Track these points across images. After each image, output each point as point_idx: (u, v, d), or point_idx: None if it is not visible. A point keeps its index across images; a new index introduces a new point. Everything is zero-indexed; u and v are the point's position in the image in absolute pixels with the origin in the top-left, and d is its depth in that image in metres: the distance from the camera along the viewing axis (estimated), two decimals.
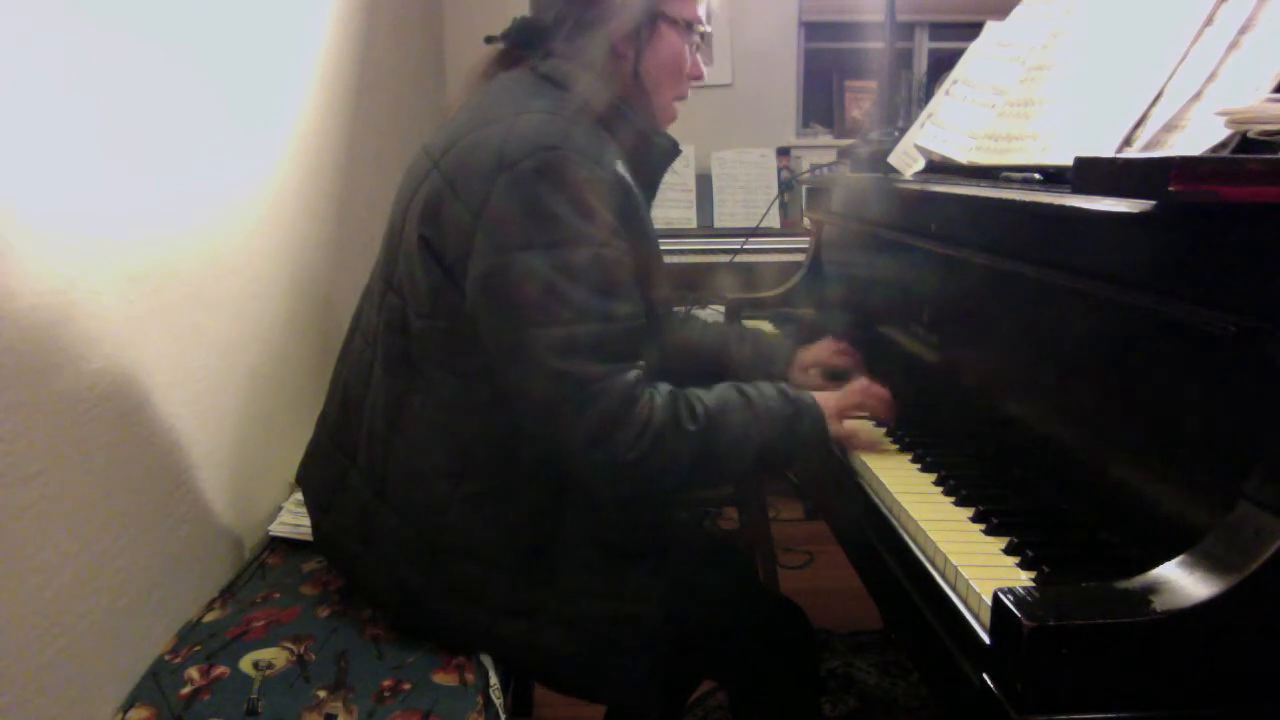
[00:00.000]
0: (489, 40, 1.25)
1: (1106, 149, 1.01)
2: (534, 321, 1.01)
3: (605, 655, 1.15)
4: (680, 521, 1.38)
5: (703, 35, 1.23)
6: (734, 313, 2.04)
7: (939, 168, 1.44)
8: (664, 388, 1.07)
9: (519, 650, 1.16)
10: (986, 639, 0.74)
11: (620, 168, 1.09)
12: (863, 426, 1.23)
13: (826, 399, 1.18)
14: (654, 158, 1.21)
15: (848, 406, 1.20)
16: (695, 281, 2.69)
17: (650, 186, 1.23)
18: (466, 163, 1.06)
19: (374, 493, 1.15)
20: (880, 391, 1.23)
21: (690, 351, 1.42)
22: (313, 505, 1.27)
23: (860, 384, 1.23)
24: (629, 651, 1.15)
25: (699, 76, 1.25)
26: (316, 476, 1.26)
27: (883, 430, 1.26)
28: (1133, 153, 0.98)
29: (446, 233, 1.06)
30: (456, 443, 1.11)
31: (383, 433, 1.14)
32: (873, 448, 1.19)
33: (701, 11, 1.22)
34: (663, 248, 1.21)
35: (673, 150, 1.23)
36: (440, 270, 1.07)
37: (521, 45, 1.20)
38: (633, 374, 1.03)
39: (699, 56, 1.24)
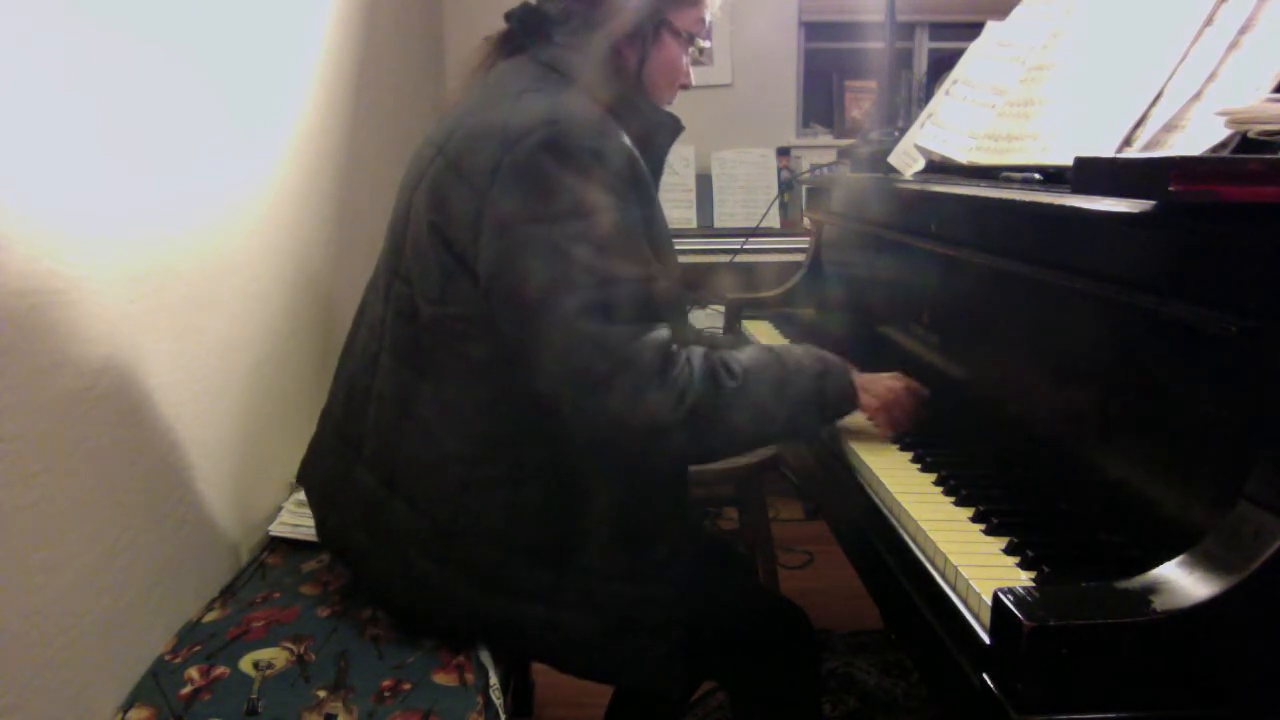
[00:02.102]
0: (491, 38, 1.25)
1: (1106, 149, 1.01)
2: (553, 292, 1.00)
3: (625, 637, 1.15)
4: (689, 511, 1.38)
5: (701, 49, 1.25)
6: (734, 313, 2.04)
7: (939, 168, 1.44)
8: (697, 350, 1.06)
9: (536, 634, 1.15)
10: (986, 639, 0.74)
11: (625, 139, 1.09)
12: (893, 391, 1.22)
13: (858, 376, 1.19)
14: (658, 135, 1.21)
15: (877, 389, 1.20)
16: (695, 281, 2.69)
17: (655, 166, 1.23)
18: (471, 147, 1.07)
19: (382, 483, 1.15)
20: (908, 404, 1.21)
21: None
22: (317, 502, 1.27)
23: (902, 381, 1.23)
24: (649, 633, 1.15)
25: (688, 85, 1.28)
26: (320, 472, 1.26)
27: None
28: (1133, 153, 0.98)
29: (455, 218, 1.06)
30: (470, 428, 1.10)
31: (392, 421, 1.14)
32: (904, 421, 1.20)
33: (705, 20, 1.23)
34: None
35: (675, 127, 1.23)
36: (451, 256, 1.07)
37: (525, 31, 1.20)
38: (661, 335, 1.02)
39: (691, 66, 1.27)
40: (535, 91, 1.08)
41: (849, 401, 1.16)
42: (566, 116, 1.04)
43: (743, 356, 1.09)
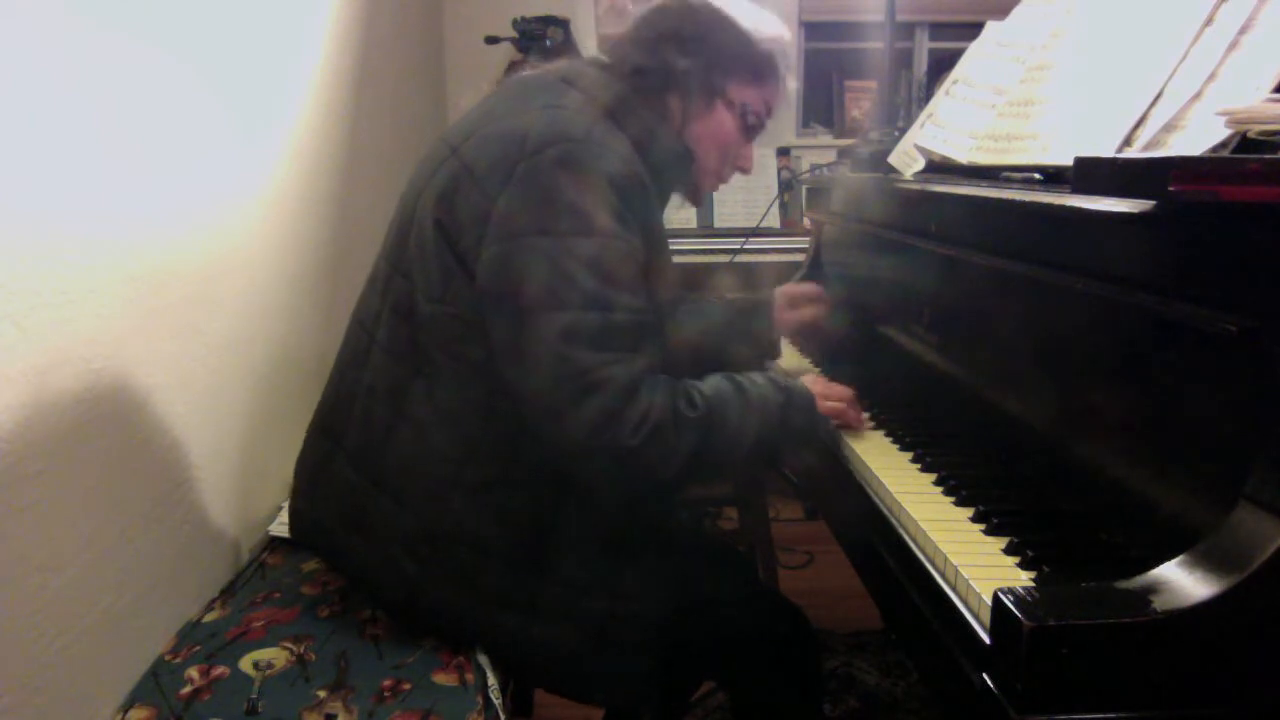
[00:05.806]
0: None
1: (1106, 149, 1.01)
2: (541, 305, 1.01)
3: (601, 653, 1.15)
4: (680, 521, 1.38)
5: (756, 128, 1.24)
6: None
7: (939, 168, 1.44)
8: (661, 378, 1.07)
9: (512, 644, 1.15)
10: (986, 639, 0.74)
11: (639, 165, 1.10)
12: (846, 397, 1.27)
13: (814, 382, 1.22)
14: (664, 159, 1.19)
15: (831, 395, 1.24)
16: (695, 281, 2.68)
17: (665, 195, 1.23)
18: (487, 150, 1.08)
19: (369, 480, 1.14)
20: (855, 417, 1.25)
21: (683, 343, 1.43)
22: (295, 491, 1.27)
23: (848, 392, 1.26)
24: (626, 650, 1.15)
25: (744, 169, 1.27)
26: (303, 464, 1.26)
27: (867, 416, 1.29)
28: (1133, 153, 0.98)
29: (461, 218, 1.07)
30: (460, 430, 1.10)
31: (383, 417, 1.13)
32: (860, 424, 1.24)
33: (769, 105, 1.23)
34: None
35: (684, 155, 1.22)
36: (453, 255, 1.08)
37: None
38: (635, 365, 1.04)
39: (750, 150, 1.25)
40: (560, 107, 1.09)
41: (813, 424, 1.18)
42: (586, 135, 1.05)
43: (706, 388, 1.10)
